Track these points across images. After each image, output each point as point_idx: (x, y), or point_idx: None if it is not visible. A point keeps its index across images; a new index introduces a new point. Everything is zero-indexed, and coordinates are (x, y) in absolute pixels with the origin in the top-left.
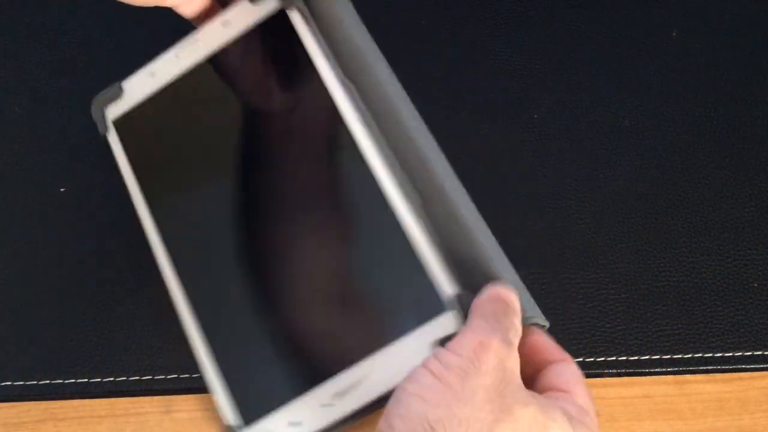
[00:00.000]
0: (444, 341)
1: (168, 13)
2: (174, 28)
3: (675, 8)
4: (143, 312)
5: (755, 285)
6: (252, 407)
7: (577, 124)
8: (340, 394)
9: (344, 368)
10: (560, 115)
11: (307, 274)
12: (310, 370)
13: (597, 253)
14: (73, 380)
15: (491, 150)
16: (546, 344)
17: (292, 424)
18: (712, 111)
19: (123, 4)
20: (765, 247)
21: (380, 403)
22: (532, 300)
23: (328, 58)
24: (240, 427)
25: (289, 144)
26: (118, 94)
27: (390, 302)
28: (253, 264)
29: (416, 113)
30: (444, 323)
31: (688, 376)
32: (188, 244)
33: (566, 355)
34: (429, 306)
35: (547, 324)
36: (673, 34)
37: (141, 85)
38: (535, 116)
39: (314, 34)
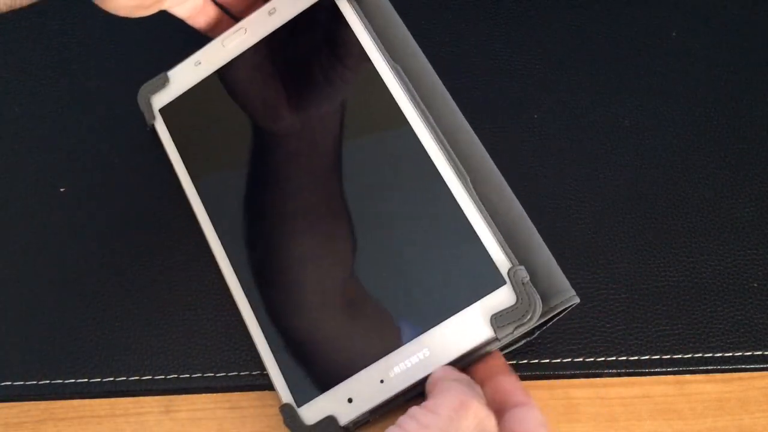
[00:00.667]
0: (500, 315)
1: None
2: (174, 27)
3: (675, 8)
4: (143, 312)
5: (755, 285)
6: (308, 385)
7: (577, 124)
8: (399, 369)
9: (403, 343)
10: (560, 115)
11: (366, 253)
12: (369, 346)
13: (597, 253)
14: (73, 380)
15: (491, 150)
16: (511, 385)
17: (351, 400)
18: (712, 111)
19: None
20: (765, 247)
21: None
22: (563, 276)
23: (376, 42)
24: (297, 405)
25: (340, 128)
26: (164, 83)
27: (447, 277)
28: (308, 244)
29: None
30: (500, 297)
31: (688, 376)
32: (239, 229)
33: (529, 399)
34: (486, 280)
35: (577, 300)
36: (673, 34)
37: (187, 73)
38: (535, 116)
39: (362, 19)
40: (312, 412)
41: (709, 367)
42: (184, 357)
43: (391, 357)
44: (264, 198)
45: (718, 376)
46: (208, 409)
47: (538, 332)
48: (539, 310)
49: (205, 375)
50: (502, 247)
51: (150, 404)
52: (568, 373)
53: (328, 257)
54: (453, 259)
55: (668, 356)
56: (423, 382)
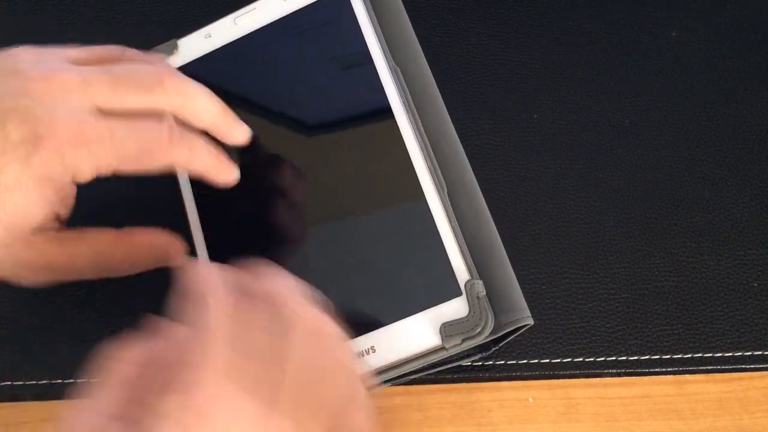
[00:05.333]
0: (450, 325)
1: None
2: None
3: (675, 8)
4: (143, 311)
5: (755, 285)
6: None
7: (577, 124)
8: None
9: (351, 338)
10: (560, 115)
11: (332, 243)
12: None
13: (597, 253)
14: (72, 380)
15: (491, 150)
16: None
17: None
18: (712, 111)
19: (122, 6)
20: (765, 247)
21: (380, 377)
22: (521, 296)
23: (380, 41)
24: None
25: (331, 118)
26: (173, 50)
27: (407, 280)
28: (280, 227)
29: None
30: (454, 307)
31: (688, 376)
32: (219, 201)
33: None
34: (443, 289)
35: (531, 322)
36: (673, 34)
37: (196, 44)
38: (535, 116)
39: (371, 16)
40: None
41: (709, 367)
42: None
43: None
44: (251, 177)
45: (718, 376)
46: None
47: (495, 348)
48: (490, 326)
49: None
50: (465, 258)
51: None
52: (568, 373)
53: (294, 245)
54: (415, 263)
55: (668, 356)
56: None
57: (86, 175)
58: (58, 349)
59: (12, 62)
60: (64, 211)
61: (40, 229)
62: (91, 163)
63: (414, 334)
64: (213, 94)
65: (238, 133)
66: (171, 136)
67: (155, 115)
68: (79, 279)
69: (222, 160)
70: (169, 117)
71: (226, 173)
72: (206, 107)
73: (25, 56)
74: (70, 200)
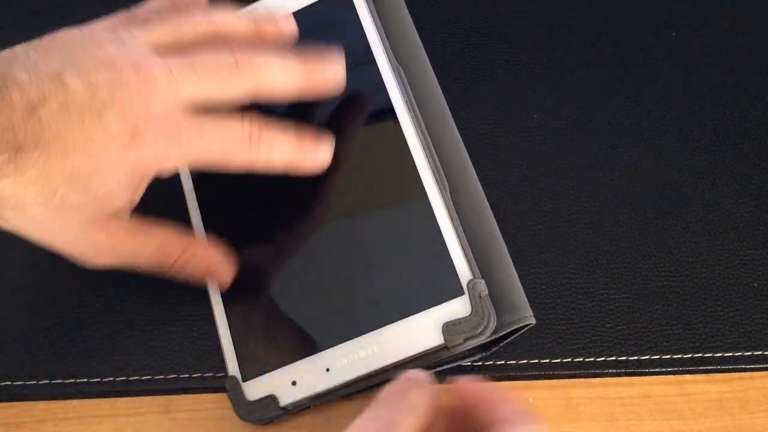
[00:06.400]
0: (453, 324)
1: None
2: None
3: (675, 8)
4: (143, 312)
5: (755, 285)
6: (256, 363)
7: (577, 124)
8: (346, 361)
9: (354, 336)
10: (560, 115)
11: (333, 243)
12: (321, 335)
13: (597, 253)
14: (73, 380)
15: (491, 150)
16: (501, 405)
17: (294, 383)
18: (712, 111)
19: (123, 5)
20: (765, 247)
21: (382, 376)
22: (523, 296)
23: (383, 40)
24: (242, 380)
25: (333, 119)
26: None
27: (409, 279)
28: (281, 228)
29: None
30: (456, 306)
31: (688, 376)
32: (218, 202)
33: (516, 417)
34: (446, 288)
35: (533, 321)
36: (673, 34)
37: None
38: (535, 116)
39: (373, 15)
40: (255, 388)
41: (709, 367)
42: (184, 357)
43: (340, 348)
44: (244, 178)
45: (718, 376)
46: (208, 409)
47: (495, 348)
48: (492, 325)
49: (204, 375)
50: (467, 258)
51: (150, 404)
52: (567, 373)
53: (297, 243)
54: (417, 262)
55: (668, 356)
56: (368, 377)
57: (171, 169)
58: (57, 349)
59: (96, 48)
60: (136, 200)
61: (116, 215)
62: (178, 159)
63: (416, 334)
64: (292, 60)
65: (330, 81)
66: (251, 137)
67: (239, 114)
68: (136, 269)
69: (304, 147)
70: (252, 115)
71: (310, 160)
72: (282, 82)
73: (103, 40)
74: (143, 189)
